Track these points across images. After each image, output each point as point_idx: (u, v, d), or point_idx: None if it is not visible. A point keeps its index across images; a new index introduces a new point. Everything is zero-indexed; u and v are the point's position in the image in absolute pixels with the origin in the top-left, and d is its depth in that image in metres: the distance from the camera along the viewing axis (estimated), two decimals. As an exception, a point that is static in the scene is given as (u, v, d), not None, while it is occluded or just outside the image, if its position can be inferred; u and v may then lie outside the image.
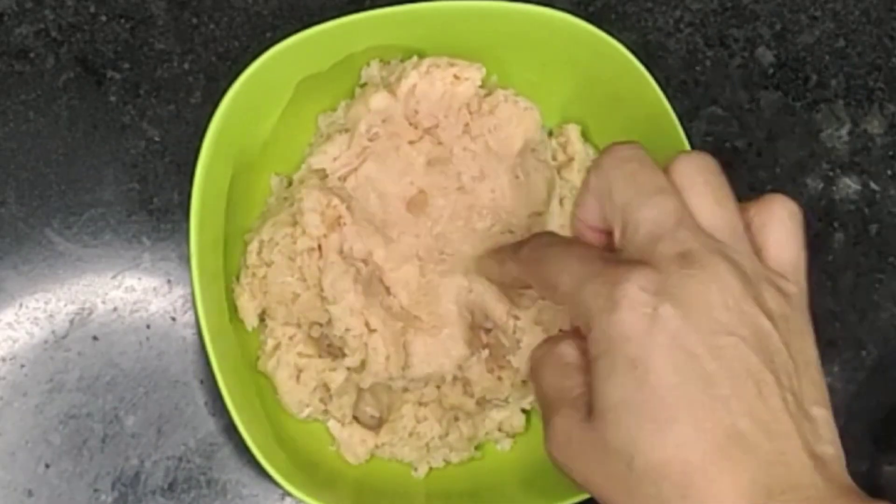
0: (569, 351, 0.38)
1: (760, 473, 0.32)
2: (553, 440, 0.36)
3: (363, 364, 0.50)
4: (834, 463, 0.34)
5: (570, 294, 0.36)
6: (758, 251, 0.37)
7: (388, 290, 0.50)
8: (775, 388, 0.33)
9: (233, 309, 0.52)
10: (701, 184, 0.37)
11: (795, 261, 0.37)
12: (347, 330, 0.49)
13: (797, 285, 0.37)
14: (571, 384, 0.36)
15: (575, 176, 0.54)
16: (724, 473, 0.31)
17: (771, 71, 0.61)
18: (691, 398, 0.32)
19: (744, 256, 0.36)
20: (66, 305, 0.53)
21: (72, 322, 0.53)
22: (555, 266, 0.37)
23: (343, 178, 0.51)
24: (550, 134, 0.56)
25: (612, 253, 0.37)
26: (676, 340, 0.32)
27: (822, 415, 0.34)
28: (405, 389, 0.51)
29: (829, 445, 0.34)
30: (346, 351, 0.50)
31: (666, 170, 0.37)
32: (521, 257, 0.41)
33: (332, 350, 0.51)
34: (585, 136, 0.55)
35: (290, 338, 0.51)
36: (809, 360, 0.35)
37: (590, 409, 0.34)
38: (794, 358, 0.34)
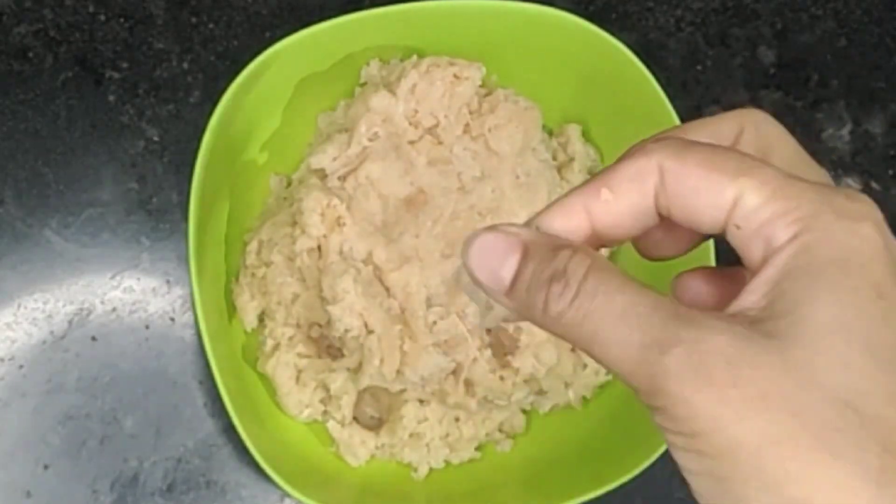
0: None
1: None
2: (699, 361, 0.24)
3: (361, 365, 0.49)
4: None
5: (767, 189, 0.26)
6: None
7: (387, 290, 0.49)
8: None
9: (232, 309, 0.52)
10: None
11: None
12: (347, 331, 0.49)
13: None
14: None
15: (575, 176, 0.54)
16: None
17: (772, 70, 0.61)
18: None
19: None
20: (64, 306, 0.53)
21: (70, 322, 0.53)
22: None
23: (343, 178, 0.51)
24: (550, 134, 0.56)
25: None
26: None
27: None
28: (403, 390, 0.51)
29: None
30: (346, 352, 0.50)
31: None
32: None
33: (331, 351, 0.51)
34: (585, 136, 0.55)
35: (290, 338, 0.51)
36: None
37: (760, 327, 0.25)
38: None
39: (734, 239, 0.26)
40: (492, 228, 0.27)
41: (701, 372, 0.24)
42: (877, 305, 0.24)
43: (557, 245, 0.26)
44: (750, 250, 0.26)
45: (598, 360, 0.26)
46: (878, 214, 0.25)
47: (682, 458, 0.25)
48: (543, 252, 0.26)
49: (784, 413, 0.23)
